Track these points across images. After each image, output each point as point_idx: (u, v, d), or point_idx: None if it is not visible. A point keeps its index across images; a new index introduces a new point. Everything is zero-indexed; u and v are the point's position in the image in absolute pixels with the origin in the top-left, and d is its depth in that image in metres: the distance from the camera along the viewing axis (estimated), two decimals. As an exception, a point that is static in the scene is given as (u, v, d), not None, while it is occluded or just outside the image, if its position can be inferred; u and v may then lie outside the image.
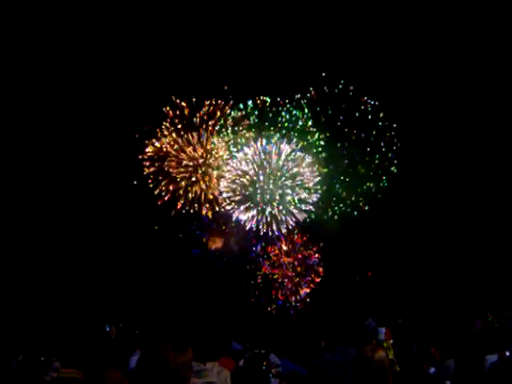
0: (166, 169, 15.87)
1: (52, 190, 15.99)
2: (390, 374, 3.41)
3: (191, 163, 16.03)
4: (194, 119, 16.08)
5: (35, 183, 15.84)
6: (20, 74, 15.10)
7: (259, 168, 15.41)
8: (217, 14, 15.84)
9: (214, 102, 16.14)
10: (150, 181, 15.81)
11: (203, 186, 16.01)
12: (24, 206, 15.73)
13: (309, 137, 15.92)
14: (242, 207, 15.54)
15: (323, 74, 15.98)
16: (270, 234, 15.80)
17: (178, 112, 16.10)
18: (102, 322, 9.96)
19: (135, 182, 15.74)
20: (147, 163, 15.87)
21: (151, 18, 15.77)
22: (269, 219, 15.55)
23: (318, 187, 15.57)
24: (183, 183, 15.95)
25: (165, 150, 15.92)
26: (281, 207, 15.44)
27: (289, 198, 15.40)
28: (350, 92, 15.87)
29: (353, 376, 3.54)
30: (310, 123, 16.01)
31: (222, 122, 16.14)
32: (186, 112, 16.10)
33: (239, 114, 16.15)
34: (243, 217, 15.57)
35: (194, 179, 16.00)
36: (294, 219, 15.67)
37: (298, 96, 16.11)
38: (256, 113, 16.02)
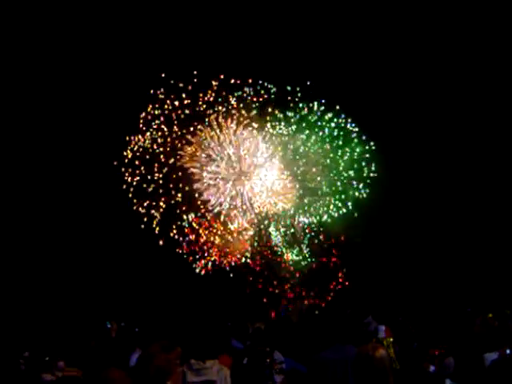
0: None
1: (52, 189, 15.97)
2: (391, 373, 3.42)
3: None
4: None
5: (35, 183, 15.83)
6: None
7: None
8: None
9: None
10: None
11: None
12: (24, 205, 15.74)
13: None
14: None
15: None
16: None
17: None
18: (103, 319, 9.97)
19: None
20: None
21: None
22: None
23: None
24: None
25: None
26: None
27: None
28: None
29: (353, 374, 3.55)
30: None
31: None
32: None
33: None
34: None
35: None
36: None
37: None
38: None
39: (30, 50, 15.42)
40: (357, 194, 15.76)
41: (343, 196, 15.84)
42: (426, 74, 16.57)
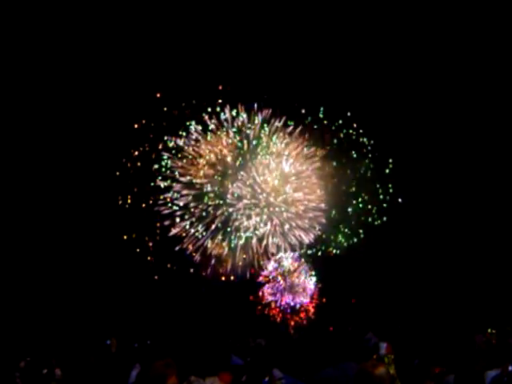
0: None
1: (55, 191, 15.96)
2: (391, 390, 3.41)
3: None
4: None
5: (35, 183, 15.82)
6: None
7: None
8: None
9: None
10: None
11: None
12: (24, 215, 15.72)
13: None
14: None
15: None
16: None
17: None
18: (103, 335, 9.92)
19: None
20: None
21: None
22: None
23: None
24: None
25: None
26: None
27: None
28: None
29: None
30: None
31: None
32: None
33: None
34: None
35: None
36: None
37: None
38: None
39: (42, 54, 15.63)
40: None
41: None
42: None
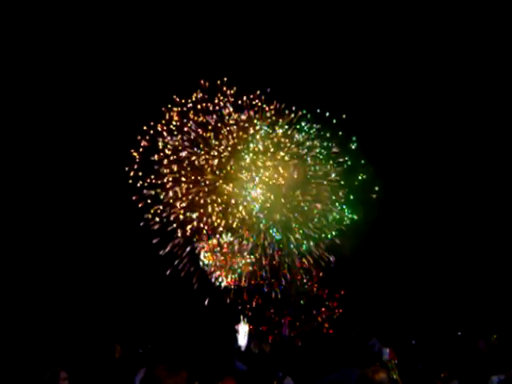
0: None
1: (57, 195, 15.99)
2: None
3: None
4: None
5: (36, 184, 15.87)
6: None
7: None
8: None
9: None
10: None
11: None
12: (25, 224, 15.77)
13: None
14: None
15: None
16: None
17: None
18: (107, 340, 9.93)
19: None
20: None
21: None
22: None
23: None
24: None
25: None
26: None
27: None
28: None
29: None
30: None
31: None
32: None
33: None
34: None
35: None
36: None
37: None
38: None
39: (48, 55, 15.76)
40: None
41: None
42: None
